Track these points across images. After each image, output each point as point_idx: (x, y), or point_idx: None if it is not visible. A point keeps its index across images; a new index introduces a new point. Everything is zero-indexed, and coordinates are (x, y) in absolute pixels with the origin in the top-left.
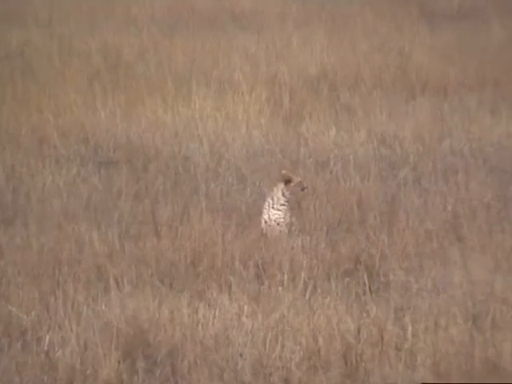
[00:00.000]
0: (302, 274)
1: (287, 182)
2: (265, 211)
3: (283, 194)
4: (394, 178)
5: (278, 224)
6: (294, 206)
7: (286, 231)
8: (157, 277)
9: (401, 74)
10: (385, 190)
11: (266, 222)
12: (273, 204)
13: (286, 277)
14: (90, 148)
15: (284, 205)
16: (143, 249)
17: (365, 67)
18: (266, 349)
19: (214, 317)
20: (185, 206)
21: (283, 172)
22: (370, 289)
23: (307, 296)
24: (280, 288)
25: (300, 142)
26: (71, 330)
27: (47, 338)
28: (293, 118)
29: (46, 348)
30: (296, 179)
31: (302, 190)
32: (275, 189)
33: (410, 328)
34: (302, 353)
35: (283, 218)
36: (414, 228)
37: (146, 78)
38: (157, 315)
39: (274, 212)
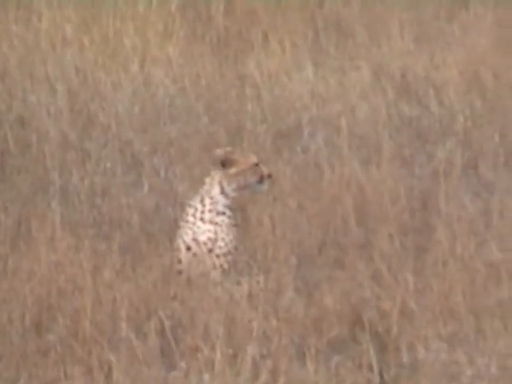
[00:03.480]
0: (250, 349)
1: (228, 165)
2: (185, 226)
3: (222, 192)
4: (427, 160)
5: (209, 251)
6: (237, 216)
7: (226, 265)
8: None
9: None
10: (409, 183)
11: (187, 248)
12: (202, 212)
13: (218, 353)
14: None
15: (224, 213)
16: None
17: None
18: None
19: None
20: (21, 215)
21: (218, 151)
22: (381, 376)
23: None
24: (207, 376)
25: (245, 93)
26: None
27: None
28: (231, 45)
29: None
30: (246, 160)
31: (261, 180)
32: (207, 182)
33: None
34: None
35: (222, 238)
36: (465, 259)
37: None
38: None
39: (204, 227)
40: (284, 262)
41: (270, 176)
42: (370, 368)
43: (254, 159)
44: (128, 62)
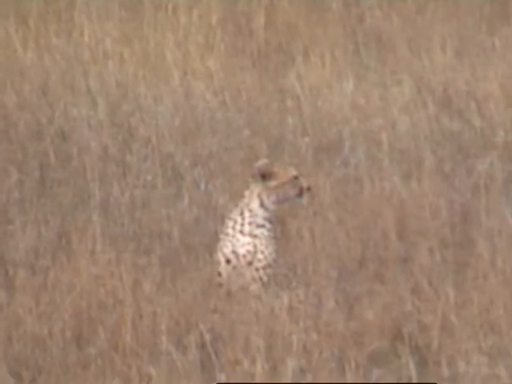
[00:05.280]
0: (290, 361)
1: (267, 178)
2: (225, 239)
3: (262, 204)
4: (468, 174)
5: (249, 263)
6: (277, 229)
7: (265, 278)
8: (6, 366)
9: None
10: (449, 197)
11: (226, 261)
12: (242, 224)
13: (258, 366)
14: None
15: (263, 226)
16: None
17: None
18: None
19: None
20: (61, 228)
21: (259, 163)
22: None
23: None
24: None
25: (286, 106)
26: None
27: None
28: (272, 59)
29: None
30: (285, 173)
31: (300, 193)
32: (246, 195)
33: None
34: None
35: (261, 251)
36: (506, 272)
37: None
38: None
39: (244, 240)
40: (324, 276)
41: (309, 189)
42: (410, 382)
43: (293, 172)
44: (168, 75)
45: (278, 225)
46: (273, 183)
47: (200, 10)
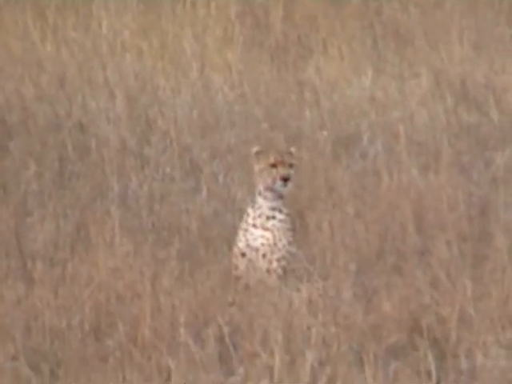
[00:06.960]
0: (309, 354)
1: (255, 163)
2: (239, 233)
3: (260, 193)
4: (486, 167)
5: (263, 256)
6: (294, 220)
7: (280, 271)
8: (25, 358)
9: None
10: (467, 190)
11: (241, 254)
12: (253, 218)
13: (277, 359)
14: None
15: (273, 217)
16: None
17: None
18: None
19: None
20: (80, 220)
21: (254, 149)
22: (439, 383)
23: None
24: (265, 382)
25: (304, 99)
26: None
27: None
28: (290, 52)
29: None
30: (265, 159)
31: (274, 181)
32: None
33: None
34: None
35: (274, 244)
36: None
37: None
38: None
39: (257, 233)
40: (343, 269)
41: (284, 179)
42: (429, 374)
43: (271, 160)
44: (187, 68)
45: (297, 218)
46: (256, 168)
47: (218, 2)
